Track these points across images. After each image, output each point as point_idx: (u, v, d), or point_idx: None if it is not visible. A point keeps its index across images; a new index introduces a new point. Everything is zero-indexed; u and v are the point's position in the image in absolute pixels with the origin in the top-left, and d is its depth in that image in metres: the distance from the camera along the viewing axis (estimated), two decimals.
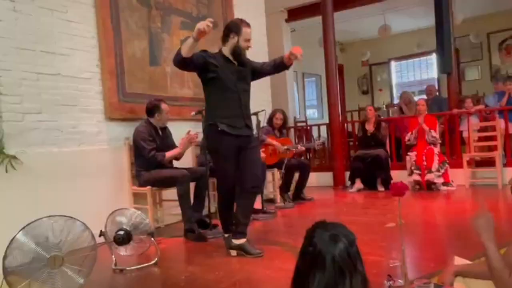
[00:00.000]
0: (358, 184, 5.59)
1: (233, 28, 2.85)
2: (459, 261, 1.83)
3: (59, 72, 3.42)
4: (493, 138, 5.39)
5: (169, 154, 3.72)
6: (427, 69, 9.61)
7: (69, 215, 2.36)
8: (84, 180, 3.49)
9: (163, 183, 3.66)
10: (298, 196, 5.09)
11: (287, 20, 7.15)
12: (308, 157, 6.86)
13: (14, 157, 3.03)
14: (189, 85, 4.59)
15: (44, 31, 3.32)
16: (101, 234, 2.73)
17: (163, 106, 3.77)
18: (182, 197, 3.52)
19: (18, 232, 2.18)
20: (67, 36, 3.48)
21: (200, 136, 4.11)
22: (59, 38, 3.42)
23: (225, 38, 2.89)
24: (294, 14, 7.07)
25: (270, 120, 5.12)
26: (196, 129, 4.18)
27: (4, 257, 2.12)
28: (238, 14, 5.19)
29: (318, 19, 6.49)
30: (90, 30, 3.67)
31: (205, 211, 3.82)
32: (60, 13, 3.44)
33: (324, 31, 6.34)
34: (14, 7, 3.13)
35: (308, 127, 7.26)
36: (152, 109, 3.75)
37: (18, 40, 3.15)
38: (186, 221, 3.51)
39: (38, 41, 3.27)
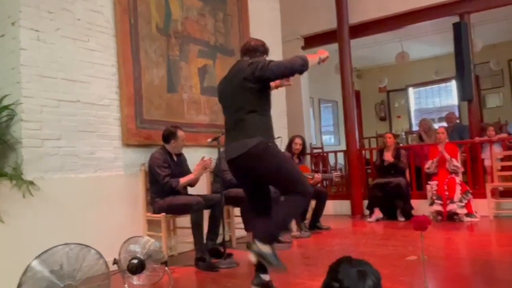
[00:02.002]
0: (377, 213, 5.45)
1: (265, 49, 2.80)
2: None
3: (79, 99, 3.48)
4: None
5: (183, 180, 3.70)
6: (446, 96, 9.50)
7: (84, 241, 2.35)
8: (100, 206, 3.49)
9: (177, 210, 3.62)
10: (314, 225, 4.98)
11: (303, 48, 7.21)
12: (324, 184, 6.76)
13: (32, 183, 3.05)
14: (205, 112, 4.62)
15: (66, 59, 3.41)
16: (115, 262, 2.70)
17: (179, 133, 3.79)
18: (195, 225, 3.47)
19: (33, 260, 2.17)
20: (88, 64, 3.57)
21: (214, 162, 4.09)
22: (80, 66, 3.51)
23: (254, 54, 2.74)
24: (311, 41, 7.13)
25: (289, 146, 5.12)
26: (211, 155, 4.19)
27: (19, 286, 2.11)
28: None
29: (334, 46, 6.52)
30: (111, 58, 3.76)
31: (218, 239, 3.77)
32: (82, 42, 3.54)
33: (340, 58, 6.36)
34: (38, 36, 3.23)
35: (325, 154, 7.19)
36: (168, 136, 3.77)
37: (41, 68, 3.23)
38: (198, 249, 3.46)
39: (60, 69, 3.36)
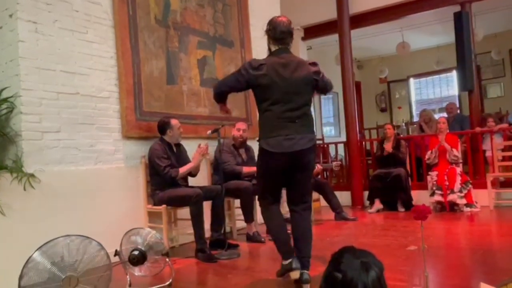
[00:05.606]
0: (378, 204, 5.46)
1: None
2: None
3: (78, 92, 3.47)
4: None
5: (182, 169, 3.71)
6: (447, 86, 9.46)
7: (85, 233, 2.36)
8: (100, 198, 3.50)
9: (177, 202, 3.63)
10: (341, 217, 4.96)
11: (303, 38, 7.16)
12: (325, 176, 6.77)
13: (32, 175, 3.05)
14: (205, 104, 4.60)
15: (64, 51, 3.39)
16: (116, 253, 2.71)
17: (173, 122, 3.78)
18: (195, 217, 3.48)
19: (34, 252, 2.18)
20: (87, 56, 3.55)
21: (210, 149, 4.06)
22: (79, 58, 3.49)
23: (291, 39, 2.85)
24: (311, 32, 7.08)
25: None
26: (211, 147, 4.18)
27: (21, 277, 2.12)
28: (254, 33, 5.23)
29: (335, 37, 6.49)
30: (109, 50, 3.73)
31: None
32: (81, 34, 3.51)
33: (341, 49, 6.33)
34: (36, 28, 3.21)
35: (326, 145, 7.18)
36: (163, 127, 3.77)
37: (39, 61, 3.21)
38: (197, 240, 3.48)
39: (58, 61, 3.34)
